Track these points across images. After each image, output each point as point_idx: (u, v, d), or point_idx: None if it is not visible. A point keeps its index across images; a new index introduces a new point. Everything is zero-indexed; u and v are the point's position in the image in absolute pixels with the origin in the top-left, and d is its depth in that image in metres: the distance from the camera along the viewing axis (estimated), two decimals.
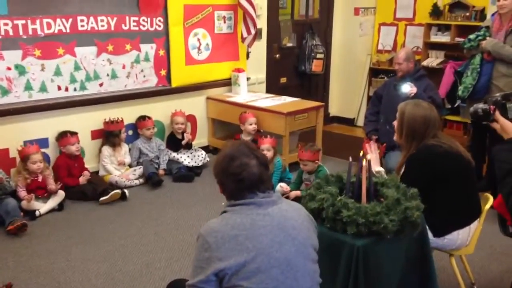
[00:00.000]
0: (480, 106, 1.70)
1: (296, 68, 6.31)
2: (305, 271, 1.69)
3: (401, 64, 4.57)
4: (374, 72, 6.62)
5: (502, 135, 1.63)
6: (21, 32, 3.80)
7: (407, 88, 4.38)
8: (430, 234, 2.51)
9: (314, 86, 6.63)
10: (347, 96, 6.85)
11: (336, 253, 2.10)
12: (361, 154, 2.28)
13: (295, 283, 1.65)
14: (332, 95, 6.92)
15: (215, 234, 1.63)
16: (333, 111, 7.01)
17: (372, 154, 2.84)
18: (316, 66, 6.29)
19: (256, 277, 1.59)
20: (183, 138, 4.76)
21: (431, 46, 6.02)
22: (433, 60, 5.94)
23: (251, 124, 4.67)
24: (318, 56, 6.25)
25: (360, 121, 6.44)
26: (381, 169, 2.79)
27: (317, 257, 1.77)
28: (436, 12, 5.89)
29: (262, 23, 5.56)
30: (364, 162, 2.19)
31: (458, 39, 5.38)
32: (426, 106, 2.68)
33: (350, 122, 6.88)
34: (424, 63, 5.93)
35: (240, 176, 1.70)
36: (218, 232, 1.64)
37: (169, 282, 2.16)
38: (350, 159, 2.27)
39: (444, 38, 5.85)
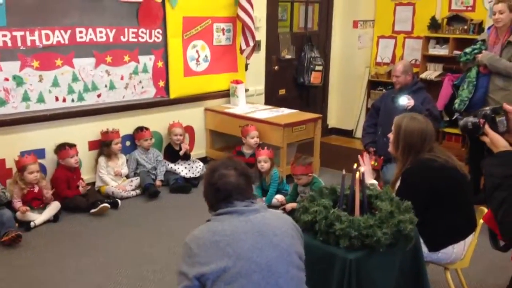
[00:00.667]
0: (470, 119, 1.70)
1: (295, 80, 6.33)
2: (288, 277, 1.69)
3: (398, 76, 4.58)
4: (372, 85, 6.64)
5: (492, 148, 1.63)
6: (19, 43, 3.82)
7: (404, 100, 4.39)
8: (425, 248, 2.50)
9: (313, 98, 6.64)
10: (346, 108, 6.86)
11: (329, 266, 2.08)
12: (354, 166, 2.27)
13: None
14: (331, 107, 6.93)
15: (197, 241, 1.69)
16: (332, 122, 7.02)
17: (365, 166, 2.83)
18: (314, 78, 6.31)
19: (237, 282, 1.61)
20: (180, 149, 4.76)
21: (429, 58, 6.04)
22: (432, 72, 5.96)
23: (253, 138, 4.66)
24: (317, 68, 6.27)
25: (359, 133, 6.43)
26: (374, 182, 2.78)
27: (303, 265, 1.79)
28: (434, 25, 5.92)
29: (261, 35, 5.59)
30: (357, 175, 2.19)
31: (456, 52, 5.40)
32: (422, 120, 2.66)
33: (348, 133, 6.88)
34: (423, 75, 5.95)
35: (216, 185, 1.79)
36: (200, 239, 1.69)
37: None
38: (344, 171, 2.26)
39: (442, 51, 5.87)
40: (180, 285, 1.67)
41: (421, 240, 2.45)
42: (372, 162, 3.72)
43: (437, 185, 2.49)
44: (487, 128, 1.62)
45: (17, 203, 3.75)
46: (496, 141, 1.61)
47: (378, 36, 6.63)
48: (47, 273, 3.09)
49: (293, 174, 3.92)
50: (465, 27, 5.66)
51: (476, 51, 4.18)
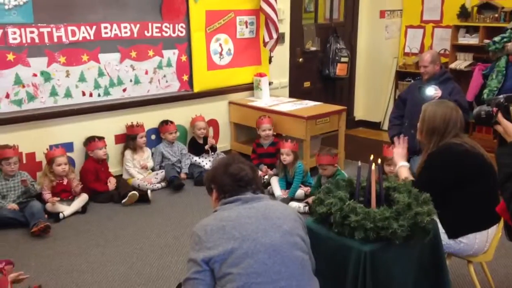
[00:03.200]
0: (484, 108, 1.65)
1: (320, 72, 6.28)
2: (293, 257, 1.75)
3: (426, 66, 4.49)
4: (400, 76, 6.52)
5: (505, 137, 1.58)
6: (46, 40, 3.93)
7: (431, 91, 4.30)
8: (445, 237, 2.46)
9: (339, 90, 6.57)
10: (373, 100, 6.76)
11: (344, 258, 2.07)
12: (371, 158, 2.24)
13: (284, 268, 1.70)
14: (358, 99, 6.85)
15: (204, 228, 1.76)
16: (359, 115, 6.93)
17: (398, 149, 2.82)
18: (340, 69, 6.23)
19: (244, 262, 1.66)
20: (204, 143, 4.80)
21: (459, 48, 5.88)
22: (461, 62, 5.80)
23: (264, 130, 4.67)
24: (343, 59, 6.20)
25: (387, 125, 6.33)
26: (406, 164, 2.74)
27: (306, 249, 1.84)
28: (464, 13, 5.76)
29: (285, 27, 5.56)
30: (373, 167, 2.16)
31: (486, 41, 5.25)
32: (449, 105, 2.64)
33: (376, 126, 6.78)
34: (452, 65, 5.80)
35: (239, 175, 1.89)
36: (207, 225, 1.77)
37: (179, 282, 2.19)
38: (359, 163, 2.24)
39: (472, 40, 5.71)
40: (189, 271, 1.72)
41: (442, 230, 2.43)
42: None
43: (459, 168, 2.47)
44: (500, 117, 1.58)
45: (47, 195, 3.87)
46: (510, 130, 1.56)
47: (406, 26, 6.50)
48: (74, 263, 3.18)
49: (319, 164, 3.91)
50: (496, 15, 5.48)
51: (505, 39, 4.06)
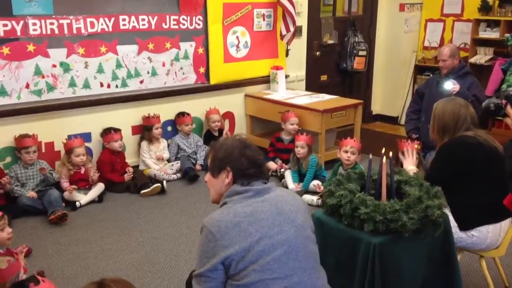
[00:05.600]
0: (493, 100, 1.64)
1: (337, 66, 6.24)
2: (306, 252, 1.73)
3: (445, 60, 4.45)
4: (419, 70, 6.46)
5: None
6: (65, 31, 4.00)
7: (449, 85, 4.26)
8: (457, 230, 2.46)
9: (356, 84, 6.53)
10: (391, 94, 6.71)
11: (354, 250, 2.08)
12: (382, 151, 2.23)
13: (298, 263, 1.69)
14: (375, 93, 6.80)
15: (218, 224, 1.68)
16: (376, 109, 6.88)
17: (408, 153, 2.85)
18: (358, 63, 6.19)
19: (261, 260, 1.64)
20: (220, 135, 4.83)
21: (479, 42, 5.79)
22: (482, 57, 5.71)
23: (292, 124, 4.65)
24: (360, 53, 6.15)
25: (404, 120, 6.28)
26: (414, 168, 2.76)
27: (315, 238, 1.83)
28: (485, 7, 5.66)
29: (302, 20, 5.54)
30: (384, 160, 2.16)
31: (507, 35, 5.15)
32: (458, 102, 2.66)
33: (393, 120, 6.72)
34: (472, 60, 5.72)
35: (258, 160, 1.83)
36: (221, 222, 1.69)
37: (190, 272, 2.21)
38: (370, 156, 2.24)
39: (493, 34, 5.61)
40: (202, 268, 1.67)
41: (453, 224, 2.42)
42: (416, 146, 3.66)
43: (468, 160, 2.48)
44: (509, 109, 1.56)
45: (65, 184, 3.95)
46: None
47: (426, 20, 6.42)
48: (89, 250, 3.25)
49: (343, 148, 3.84)
50: None
51: None
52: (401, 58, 6.53)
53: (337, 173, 3.95)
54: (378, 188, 2.22)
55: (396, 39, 6.51)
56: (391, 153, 2.26)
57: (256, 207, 1.73)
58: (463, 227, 2.50)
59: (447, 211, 2.30)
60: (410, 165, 2.84)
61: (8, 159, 3.90)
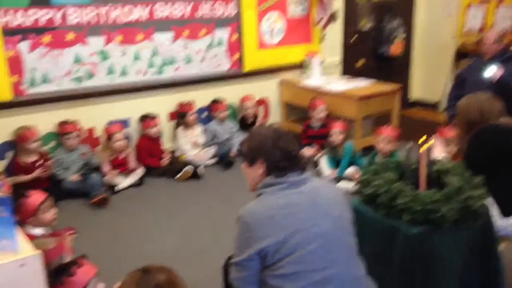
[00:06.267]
0: None
1: (374, 51, 6.12)
2: (343, 244, 1.72)
3: (490, 45, 4.31)
4: (460, 55, 6.24)
5: None
6: (103, 20, 4.06)
7: (492, 70, 4.13)
8: (499, 218, 2.40)
9: (394, 69, 6.39)
10: (431, 79, 6.54)
11: (390, 240, 2.06)
12: (422, 139, 2.19)
13: (334, 256, 1.68)
14: (414, 79, 6.64)
15: (253, 216, 1.71)
16: (415, 95, 6.73)
17: (437, 141, 2.81)
18: (395, 48, 6.06)
19: (296, 252, 1.64)
20: (254, 122, 4.84)
21: None
22: None
23: (319, 113, 4.61)
24: (398, 38, 6.02)
25: (444, 106, 6.13)
26: (445, 155, 2.71)
27: (354, 230, 1.80)
28: None
29: (338, 5, 5.45)
30: (423, 149, 2.12)
31: None
32: (481, 97, 2.67)
33: (433, 106, 6.57)
34: None
35: (291, 151, 1.79)
36: (256, 214, 1.71)
37: (227, 258, 2.24)
38: (409, 144, 2.20)
39: None
40: (239, 257, 1.71)
41: (495, 212, 2.37)
42: (453, 134, 3.58)
43: (502, 145, 2.46)
44: None
45: (106, 168, 4.07)
46: None
47: (467, 4, 6.18)
48: (128, 234, 3.34)
49: (379, 137, 3.80)
50: None
51: None
52: (441, 43, 6.33)
53: (374, 162, 3.92)
54: (417, 178, 2.19)
55: (435, 23, 6.32)
56: (431, 141, 2.22)
57: (291, 199, 1.72)
58: (506, 213, 2.45)
59: (489, 199, 2.25)
60: (438, 154, 2.78)
61: (52, 144, 4.03)
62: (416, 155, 2.22)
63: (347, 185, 3.94)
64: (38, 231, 2.53)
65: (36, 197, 2.55)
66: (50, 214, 2.60)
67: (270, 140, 1.80)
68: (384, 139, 3.81)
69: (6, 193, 2.24)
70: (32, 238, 1.92)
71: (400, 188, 2.07)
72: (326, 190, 1.82)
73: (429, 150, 2.17)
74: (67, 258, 2.13)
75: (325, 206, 1.74)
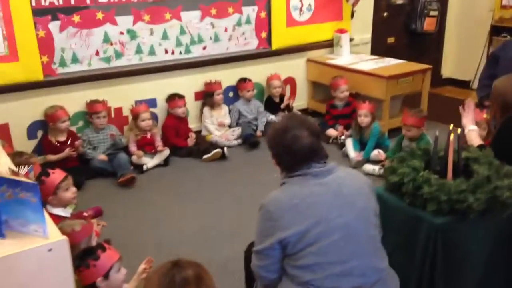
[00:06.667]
0: None
1: (406, 27, 5.96)
2: (366, 236, 1.71)
3: None
4: (496, 30, 6.00)
5: None
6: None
7: None
8: None
9: (426, 46, 6.21)
10: (464, 56, 6.32)
11: (414, 230, 2.04)
12: (450, 127, 2.14)
13: (357, 248, 1.68)
14: (447, 56, 6.45)
15: (276, 204, 1.71)
16: (447, 72, 6.54)
17: (467, 115, 2.70)
18: (428, 24, 5.88)
19: (318, 243, 1.64)
20: (281, 101, 4.82)
21: None
22: None
23: (342, 92, 4.54)
24: (432, 13, 5.83)
25: (476, 84, 5.94)
26: (475, 128, 2.61)
27: (378, 222, 1.78)
28: None
29: None
30: (451, 137, 2.07)
31: None
32: None
33: (465, 84, 6.38)
34: None
35: (292, 148, 1.75)
36: (279, 202, 1.71)
37: (248, 244, 2.27)
38: (437, 133, 2.15)
39: None
40: (261, 245, 1.72)
41: None
42: (485, 115, 3.46)
43: None
44: None
45: (133, 148, 4.13)
46: None
47: None
48: (156, 215, 3.40)
49: (404, 124, 3.78)
50: None
51: None
52: (476, 18, 6.09)
53: (401, 145, 3.86)
54: (444, 166, 2.14)
55: None
56: (459, 130, 2.16)
57: (315, 189, 1.71)
58: None
59: None
60: (469, 123, 2.65)
61: (80, 123, 4.12)
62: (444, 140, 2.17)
63: (374, 168, 3.90)
64: (59, 211, 2.59)
65: (55, 175, 2.59)
66: (69, 193, 2.64)
67: (278, 137, 1.80)
68: (364, 113, 4.04)
69: (34, 178, 2.30)
70: (56, 220, 1.97)
71: (426, 177, 2.04)
72: (352, 181, 1.79)
73: (457, 138, 2.11)
74: (93, 241, 2.19)
75: (349, 197, 1.72)
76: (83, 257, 1.91)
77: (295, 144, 1.74)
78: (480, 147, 2.39)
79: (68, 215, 2.63)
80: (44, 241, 1.50)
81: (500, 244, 2.09)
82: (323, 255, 1.65)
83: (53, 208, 2.59)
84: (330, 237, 1.65)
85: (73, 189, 2.71)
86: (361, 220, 1.71)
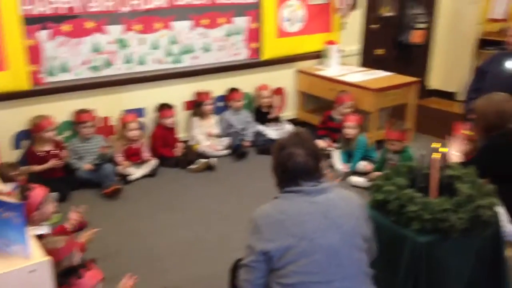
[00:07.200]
0: None
1: (395, 39, 6.01)
2: (351, 259, 1.72)
3: None
4: (483, 43, 6.09)
5: None
6: (122, 7, 4.06)
7: None
8: (508, 223, 2.37)
9: (414, 58, 6.27)
10: (450, 68, 6.40)
11: (398, 248, 2.06)
12: (433, 145, 2.17)
13: (339, 270, 1.69)
14: (434, 67, 6.51)
15: (264, 218, 1.76)
16: (434, 84, 6.61)
17: (455, 142, 2.76)
18: (416, 36, 5.94)
19: (300, 261, 1.67)
20: (269, 112, 4.83)
21: None
22: None
23: (346, 108, 4.49)
24: (420, 26, 5.90)
25: (463, 96, 6.01)
26: (458, 154, 2.66)
27: (365, 246, 1.79)
28: None
29: None
30: (436, 155, 2.09)
31: None
32: (499, 98, 2.61)
33: (451, 96, 6.45)
34: None
35: (284, 165, 1.80)
36: (267, 217, 1.76)
37: (234, 261, 2.27)
38: (423, 152, 2.18)
39: None
40: (248, 258, 1.77)
41: (504, 217, 2.34)
42: (468, 132, 3.51)
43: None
44: None
45: (119, 158, 4.11)
46: None
47: None
48: (140, 225, 3.39)
49: (387, 138, 3.81)
50: None
51: None
52: (464, 30, 6.18)
53: (386, 157, 3.89)
54: (428, 183, 2.17)
55: (459, 10, 6.16)
56: (443, 149, 2.19)
57: (303, 207, 1.74)
58: None
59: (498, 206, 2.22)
60: (454, 148, 2.75)
61: (67, 133, 4.08)
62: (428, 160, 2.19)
63: (359, 180, 3.93)
64: (39, 230, 2.52)
65: (39, 191, 2.53)
66: (51, 207, 2.61)
67: (276, 152, 1.86)
68: (351, 125, 4.12)
69: (18, 198, 2.26)
70: (39, 238, 1.95)
71: (411, 195, 2.06)
72: (343, 203, 1.80)
73: (442, 156, 2.14)
74: (77, 257, 2.17)
75: (336, 219, 1.73)
76: (66, 275, 1.89)
77: (289, 161, 1.79)
78: (463, 164, 2.43)
79: (48, 231, 2.60)
80: (26, 262, 1.50)
81: (482, 262, 2.12)
82: (306, 275, 1.67)
83: (34, 228, 2.55)
84: (313, 256, 1.68)
85: (53, 204, 2.67)
86: (346, 242, 1.72)
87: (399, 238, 2.06)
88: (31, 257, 1.50)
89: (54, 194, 3.55)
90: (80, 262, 2.07)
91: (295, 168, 1.79)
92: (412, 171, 2.32)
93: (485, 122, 2.57)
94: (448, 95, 6.46)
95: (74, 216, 2.70)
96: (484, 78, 4.45)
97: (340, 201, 1.81)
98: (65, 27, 3.88)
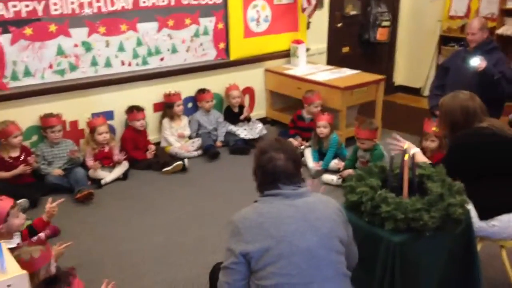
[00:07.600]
0: None
1: (359, 37, 6.13)
2: (328, 261, 1.76)
3: (474, 34, 4.29)
4: (444, 40, 6.28)
5: None
6: (86, 10, 3.98)
7: (476, 61, 4.15)
8: (477, 220, 2.46)
9: (379, 55, 6.41)
10: (414, 65, 6.58)
11: (374, 248, 2.10)
12: (404, 146, 2.23)
13: (317, 272, 1.72)
14: (398, 64, 6.68)
15: (244, 221, 1.78)
16: (399, 80, 6.77)
17: (402, 142, 2.81)
18: (381, 34, 6.07)
19: (279, 262, 1.70)
20: (240, 111, 4.84)
21: (507, 13, 5.57)
22: (509, 28, 5.52)
23: (316, 107, 4.54)
24: (384, 24, 6.03)
25: (427, 92, 6.18)
26: (418, 150, 2.72)
27: (344, 249, 1.83)
28: None
29: None
30: (406, 157, 2.15)
31: None
32: (464, 96, 2.66)
33: (416, 92, 6.63)
34: (499, 31, 5.53)
35: (264, 168, 1.85)
36: (247, 219, 1.78)
37: (213, 265, 2.28)
38: (392, 153, 2.24)
39: None
40: (227, 260, 1.78)
41: (473, 213, 2.42)
42: (434, 128, 3.61)
43: (484, 149, 2.50)
44: None
45: (89, 162, 4.03)
46: None
47: None
48: (114, 230, 3.35)
49: (357, 137, 3.88)
50: None
51: None
52: (426, 28, 6.35)
53: (357, 154, 3.96)
54: (400, 182, 2.23)
55: (420, 8, 6.33)
56: (412, 150, 2.25)
57: (282, 210, 1.78)
58: (484, 216, 2.50)
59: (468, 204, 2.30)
60: (411, 147, 2.73)
61: (34, 138, 3.99)
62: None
63: (332, 178, 3.99)
64: (8, 244, 2.46)
65: (4, 202, 2.45)
66: (19, 219, 2.54)
67: (257, 156, 1.91)
68: (323, 124, 4.17)
69: None
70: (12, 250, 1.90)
71: (384, 196, 2.11)
72: (322, 207, 1.84)
73: (412, 157, 2.20)
74: (53, 267, 2.12)
75: (315, 222, 1.77)
76: (51, 284, 1.84)
77: (269, 165, 1.84)
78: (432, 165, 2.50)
79: (20, 241, 2.54)
80: (2, 276, 1.46)
81: (453, 258, 2.19)
82: (285, 276, 1.70)
83: (6, 242, 2.47)
84: (291, 258, 1.71)
85: (23, 215, 2.60)
86: (324, 245, 1.75)
87: (374, 238, 2.10)
88: (6, 272, 1.46)
89: (24, 201, 3.50)
90: (64, 270, 2.02)
91: (275, 172, 1.83)
92: (384, 171, 2.38)
93: (450, 120, 2.63)
94: (413, 91, 6.63)
95: (50, 207, 2.66)
96: (447, 75, 4.60)
97: (319, 204, 1.85)
98: (28, 30, 3.78)
